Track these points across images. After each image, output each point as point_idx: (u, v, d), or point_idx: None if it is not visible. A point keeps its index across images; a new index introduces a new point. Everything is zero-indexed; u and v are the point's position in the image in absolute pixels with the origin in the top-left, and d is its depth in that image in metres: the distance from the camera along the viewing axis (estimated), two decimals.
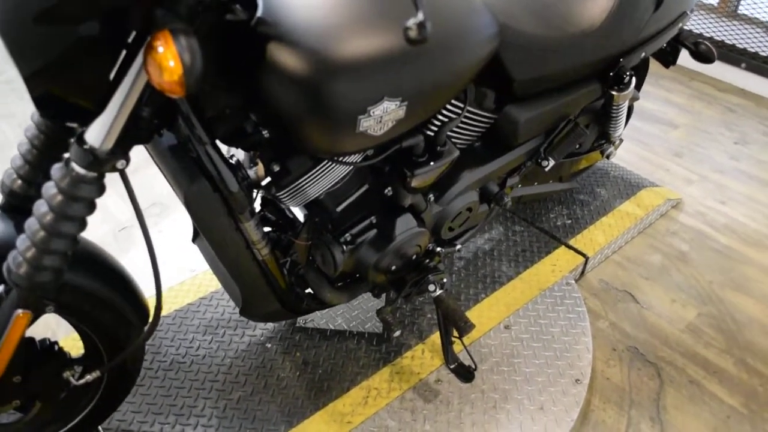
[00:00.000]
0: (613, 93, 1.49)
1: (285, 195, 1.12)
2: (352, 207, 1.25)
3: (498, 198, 1.47)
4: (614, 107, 1.57)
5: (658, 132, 2.58)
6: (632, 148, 2.45)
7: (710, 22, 3.02)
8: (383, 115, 0.95)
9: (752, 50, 2.90)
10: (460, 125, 1.30)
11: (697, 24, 3.05)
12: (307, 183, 1.11)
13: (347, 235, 1.25)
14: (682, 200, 2.17)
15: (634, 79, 1.50)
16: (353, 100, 0.91)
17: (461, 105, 1.20)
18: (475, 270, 1.75)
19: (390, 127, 0.98)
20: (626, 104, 1.59)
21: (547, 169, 1.52)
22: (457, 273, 1.74)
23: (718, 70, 3.00)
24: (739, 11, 3.02)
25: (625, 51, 1.44)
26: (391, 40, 0.91)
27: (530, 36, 1.23)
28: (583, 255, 1.82)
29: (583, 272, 1.84)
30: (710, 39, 3.01)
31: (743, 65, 2.93)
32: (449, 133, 1.29)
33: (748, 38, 2.91)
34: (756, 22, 2.95)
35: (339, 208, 1.24)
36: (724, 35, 2.98)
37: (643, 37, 1.46)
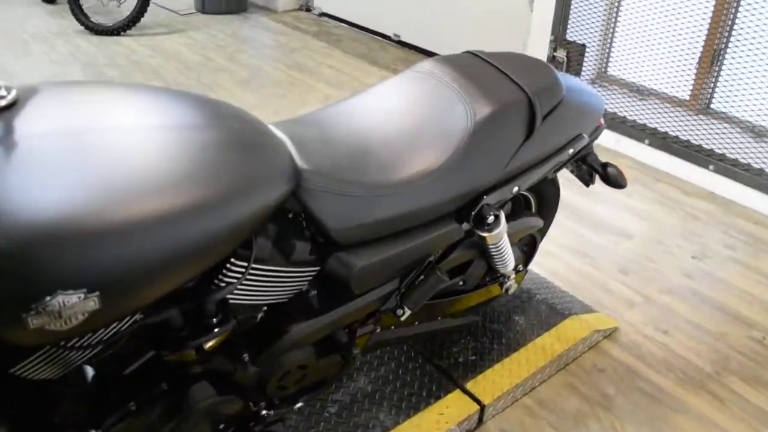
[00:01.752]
0: (482, 234, 1.31)
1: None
2: (138, 372, 1.07)
3: (345, 350, 1.28)
4: (491, 246, 1.38)
5: (608, 243, 2.36)
6: (573, 262, 2.23)
7: (679, 118, 2.84)
8: (63, 310, 0.77)
9: (720, 151, 2.69)
10: (261, 284, 1.11)
11: (663, 120, 2.87)
12: (35, 365, 0.93)
13: (132, 404, 1.07)
14: (617, 329, 1.94)
15: (503, 217, 1.31)
16: (5, 297, 0.73)
17: (243, 265, 1.02)
18: (348, 417, 1.54)
19: (82, 320, 0.80)
20: (505, 241, 1.40)
21: (402, 318, 1.33)
22: (326, 421, 1.53)
23: (685, 171, 2.79)
24: (711, 106, 2.83)
25: (487, 188, 1.27)
26: (65, 212, 0.74)
27: (341, 182, 1.07)
28: (479, 402, 1.59)
29: (480, 420, 1.61)
30: (676, 138, 2.81)
31: (711, 167, 2.72)
32: (249, 294, 1.12)
33: (719, 137, 2.70)
34: (728, 119, 2.75)
35: (126, 372, 1.07)
36: (693, 134, 2.78)
37: (512, 170, 1.29)
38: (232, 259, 1.00)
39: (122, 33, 4.60)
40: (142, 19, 4.57)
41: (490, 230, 1.28)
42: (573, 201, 2.60)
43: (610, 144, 3.04)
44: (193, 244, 0.84)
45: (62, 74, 3.86)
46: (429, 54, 4.23)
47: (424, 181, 1.14)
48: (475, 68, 1.28)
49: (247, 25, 4.94)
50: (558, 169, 1.49)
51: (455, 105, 1.20)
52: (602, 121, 1.58)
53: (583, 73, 3.19)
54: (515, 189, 1.31)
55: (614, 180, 1.53)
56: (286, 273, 1.10)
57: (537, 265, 2.17)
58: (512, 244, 1.52)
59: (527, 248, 1.74)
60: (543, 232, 1.76)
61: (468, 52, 1.36)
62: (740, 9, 2.59)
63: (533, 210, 1.70)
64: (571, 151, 1.41)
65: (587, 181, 1.64)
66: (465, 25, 3.90)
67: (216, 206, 0.86)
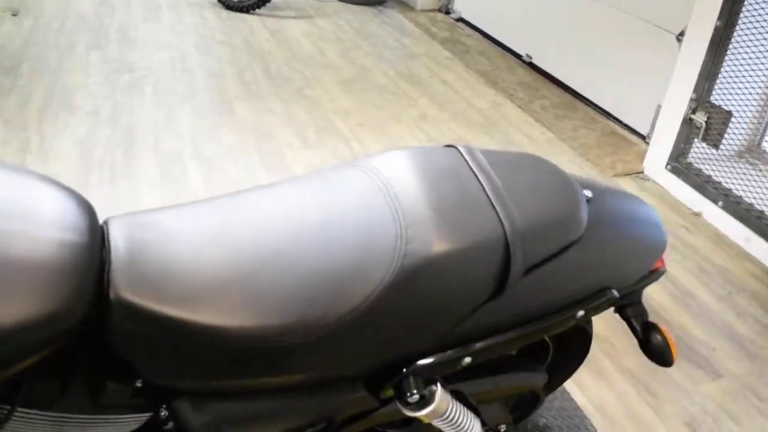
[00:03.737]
0: (407, 413, 0.93)
1: None
2: None
3: None
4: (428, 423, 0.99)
5: (685, 380, 1.83)
6: (630, 396, 1.74)
7: None
8: None
9: None
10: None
11: None
12: None
13: None
14: None
15: (439, 392, 0.91)
16: None
17: (5, 407, 0.75)
18: None
19: None
20: (454, 413, 1.00)
21: None
22: None
23: None
24: None
25: (411, 356, 0.89)
26: None
27: (164, 322, 0.75)
28: None
29: None
30: None
31: None
32: None
33: None
34: None
35: None
36: None
37: (462, 335, 0.89)
38: None
39: (252, 11, 4.54)
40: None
41: (416, 409, 0.90)
42: (657, 299, 2.07)
43: (738, 239, 2.43)
44: None
45: (174, 45, 3.85)
46: (555, 84, 3.73)
47: (302, 336, 0.79)
48: (444, 177, 0.89)
49: (377, 20, 4.69)
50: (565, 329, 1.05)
51: (384, 231, 0.83)
52: (664, 260, 1.12)
53: (724, 145, 2.59)
54: (466, 360, 0.91)
55: (656, 352, 1.08)
56: (86, 420, 0.82)
57: (580, 388, 1.71)
58: (494, 401, 1.12)
59: (527, 399, 1.31)
60: (553, 386, 1.33)
61: (453, 146, 0.98)
62: None
63: (548, 358, 1.27)
64: (581, 313, 0.98)
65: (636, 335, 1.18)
66: (601, 65, 3.36)
67: None
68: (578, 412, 1.60)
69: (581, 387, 1.73)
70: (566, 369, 1.29)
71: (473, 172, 0.91)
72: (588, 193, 1.00)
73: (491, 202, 0.87)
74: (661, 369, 1.85)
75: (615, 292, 1.00)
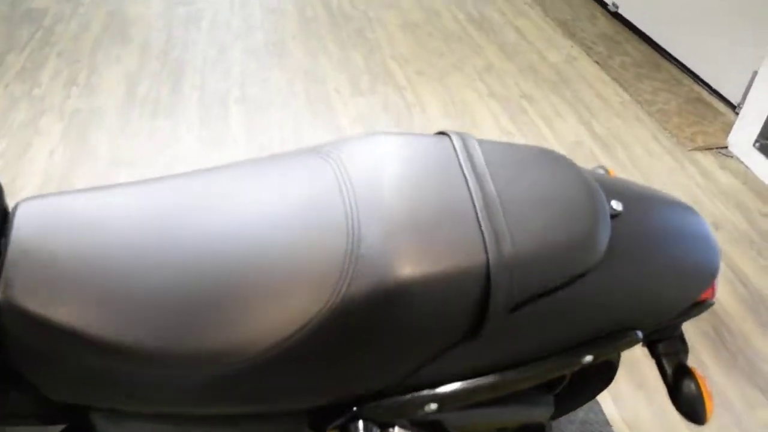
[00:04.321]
0: None
1: None
2: None
3: None
4: None
5: (746, 409, 1.62)
6: (671, 421, 1.56)
7: None
8: None
9: None
10: None
11: None
12: None
13: None
14: None
15: None
16: None
17: None
18: None
19: None
20: None
21: None
22: None
23: None
24: None
25: (361, 395, 0.74)
26: None
27: (57, 333, 0.64)
28: None
29: None
30: None
31: None
32: None
33: None
34: None
35: None
36: None
37: (427, 378, 0.74)
38: None
39: None
40: None
41: None
42: (722, 300, 1.84)
43: None
44: None
45: None
46: (641, 38, 3.36)
47: (224, 366, 0.66)
48: (422, 178, 0.73)
49: None
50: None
51: (333, 245, 0.68)
52: (715, 288, 0.92)
53: None
54: (431, 407, 0.77)
55: (686, 404, 0.89)
56: None
57: (613, 397, 1.54)
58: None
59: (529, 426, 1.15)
60: (564, 412, 1.16)
61: (445, 134, 0.81)
62: None
63: (560, 385, 1.10)
64: (588, 358, 0.81)
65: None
66: (695, 19, 2.97)
67: None
68: (606, 429, 1.44)
69: (615, 396, 1.56)
70: (582, 397, 1.12)
71: (463, 172, 0.74)
72: (617, 205, 0.81)
73: (477, 215, 0.70)
74: (713, 387, 1.64)
75: (639, 334, 0.82)
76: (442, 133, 0.82)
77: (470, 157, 0.76)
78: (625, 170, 2.38)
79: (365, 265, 0.66)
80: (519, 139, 2.53)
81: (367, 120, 2.56)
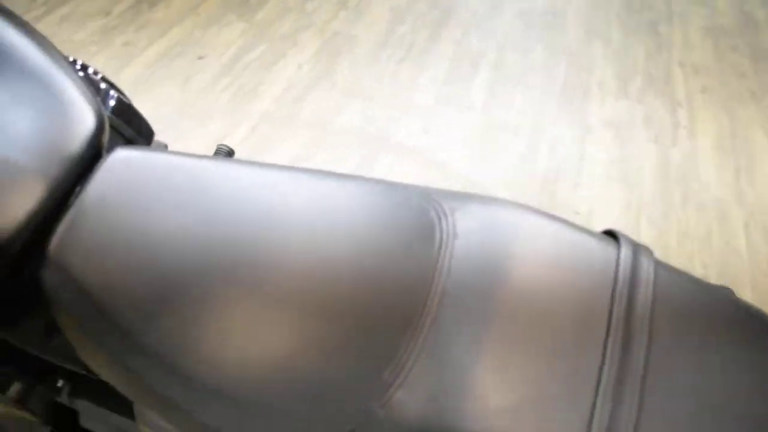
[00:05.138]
0: None
1: None
2: None
3: None
4: None
5: None
6: None
7: None
8: None
9: None
10: None
11: None
12: None
13: None
14: None
15: None
16: None
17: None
18: None
19: None
20: None
21: None
22: None
23: None
24: None
25: None
26: None
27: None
28: None
29: None
30: None
31: None
32: None
33: None
34: None
35: None
36: None
37: None
38: None
39: None
40: None
41: None
42: None
43: None
44: None
45: None
46: None
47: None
48: (546, 300, 0.49)
49: None
50: None
51: (400, 312, 0.50)
52: None
53: None
54: None
55: None
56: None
57: None
58: None
59: None
60: None
61: (613, 234, 0.56)
62: None
63: None
64: None
65: None
66: None
67: None
68: None
69: None
70: None
71: (609, 317, 0.50)
72: None
73: (596, 401, 0.46)
74: None
75: None
76: (610, 233, 0.57)
77: (633, 291, 0.51)
78: None
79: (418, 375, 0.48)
80: None
81: (622, 130, 2.22)
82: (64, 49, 2.37)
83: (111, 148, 0.63)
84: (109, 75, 2.27)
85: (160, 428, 0.66)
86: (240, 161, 0.63)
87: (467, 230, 0.54)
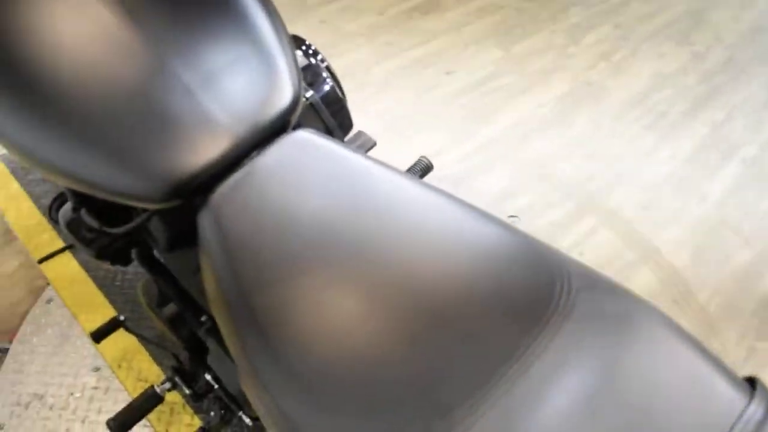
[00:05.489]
0: None
1: None
2: None
3: None
4: None
5: None
6: None
7: None
8: None
9: None
10: None
11: None
12: None
13: None
14: None
15: None
16: None
17: None
18: None
19: None
20: None
21: None
22: None
23: None
24: None
25: None
26: None
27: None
28: None
29: None
30: None
31: None
32: None
33: None
34: None
35: None
36: None
37: None
38: None
39: None
40: None
41: None
42: None
43: None
44: None
45: None
46: None
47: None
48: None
49: None
50: None
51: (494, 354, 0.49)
52: None
53: None
54: None
55: None
56: None
57: None
58: None
59: None
60: None
61: (753, 382, 0.46)
62: None
63: None
64: None
65: None
66: None
67: None
68: None
69: None
70: None
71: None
72: None
73: None
74: None
75: None
76: (751, 380, 0.48)
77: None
78: None
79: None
80: None
81: None
82: (337, 35, 2.62)
83: (307, 128, 0.71)
84: (361, 64, 2.47)
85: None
86: (400, 173, 0.66)
87: (583, 317, 0.51)
